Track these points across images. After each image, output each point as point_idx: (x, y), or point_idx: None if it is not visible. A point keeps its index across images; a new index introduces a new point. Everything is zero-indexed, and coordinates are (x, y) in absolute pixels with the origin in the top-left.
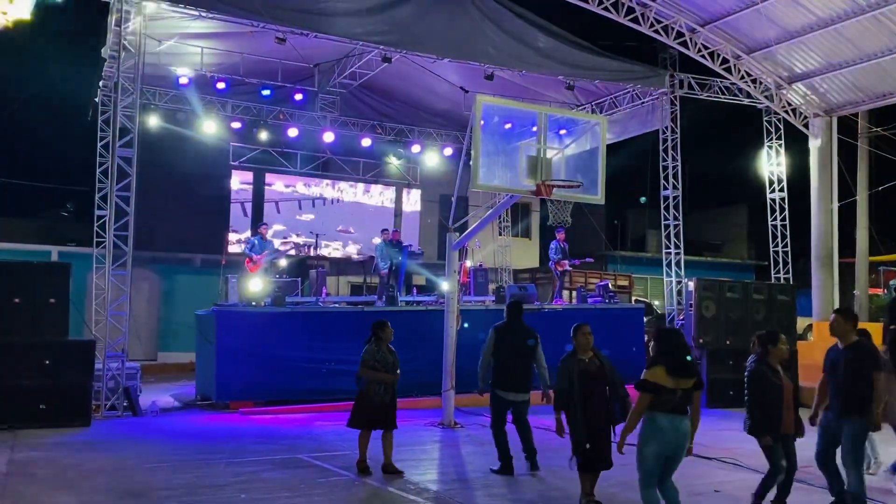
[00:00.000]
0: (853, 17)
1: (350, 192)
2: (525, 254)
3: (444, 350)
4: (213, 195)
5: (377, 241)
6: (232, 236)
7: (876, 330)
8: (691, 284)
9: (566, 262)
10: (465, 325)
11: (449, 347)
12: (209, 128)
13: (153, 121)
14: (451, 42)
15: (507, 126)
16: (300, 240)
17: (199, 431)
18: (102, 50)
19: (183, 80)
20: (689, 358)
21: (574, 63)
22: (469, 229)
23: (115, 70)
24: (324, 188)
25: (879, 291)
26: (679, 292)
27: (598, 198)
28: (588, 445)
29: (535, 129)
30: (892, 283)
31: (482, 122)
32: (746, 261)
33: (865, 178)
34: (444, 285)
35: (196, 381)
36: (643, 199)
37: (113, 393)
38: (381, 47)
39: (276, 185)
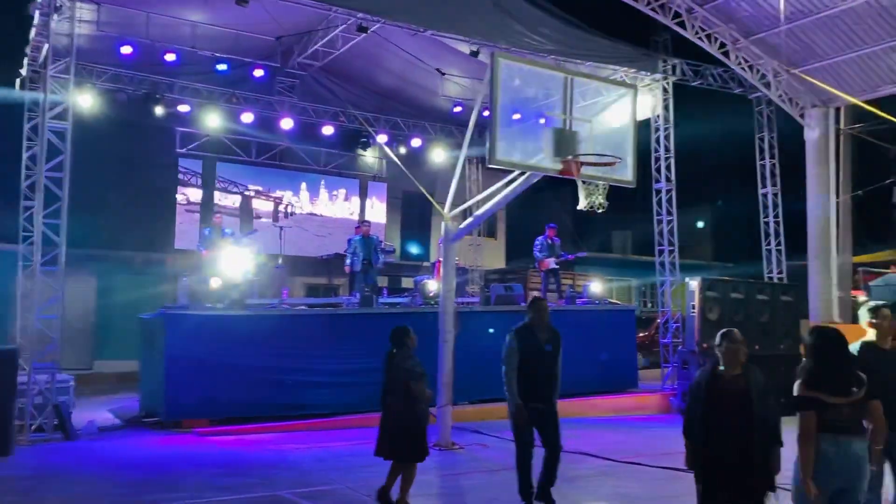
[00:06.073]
0: (854, 1)
1: (296, 203)
2: (491, 254)
3: (439, 359)
4: (157, 186)
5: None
6: (179, 231)
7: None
8: (693, 284)
9: (551, 260)
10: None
11: (445, 356)
12: (154, 110)
13: (89, 102)
14: (434, 13)
15: (529, 92)
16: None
17: (149, 459)
18: (30, 6)
19: (126, 50)
20: (848, 366)
21: (564, 41)
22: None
23: (45, 35)
24: (263, 202)
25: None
26: (674, 294)
27: (630, 179)
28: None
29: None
30: (871, 284)
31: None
32: (711, 262)
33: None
34: (432, 284)
35: (140, 395)
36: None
37: (40, 412)
38: (360, 14)
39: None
